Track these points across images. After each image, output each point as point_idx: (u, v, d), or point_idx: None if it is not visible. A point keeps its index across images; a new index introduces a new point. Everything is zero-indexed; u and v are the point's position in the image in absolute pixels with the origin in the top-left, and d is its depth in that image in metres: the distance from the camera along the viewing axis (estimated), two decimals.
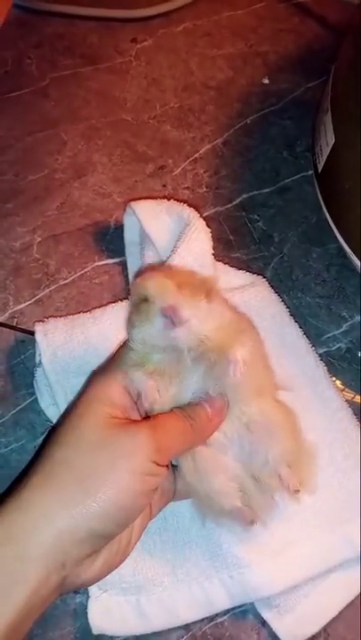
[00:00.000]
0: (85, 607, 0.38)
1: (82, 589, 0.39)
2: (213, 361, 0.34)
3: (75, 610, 0.39)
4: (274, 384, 0.38)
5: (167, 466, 0.33)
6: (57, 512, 0.29)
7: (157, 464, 0.31)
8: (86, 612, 0.38)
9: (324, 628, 0.39)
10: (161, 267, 0.42)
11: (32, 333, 0.44)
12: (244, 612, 0.39)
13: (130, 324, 0.35)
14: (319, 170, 0.47)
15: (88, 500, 0.29)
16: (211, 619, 0.39)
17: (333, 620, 0.39)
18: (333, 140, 0.43)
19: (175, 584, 0.38)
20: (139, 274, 0.41)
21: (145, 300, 0.34)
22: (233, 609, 0.39)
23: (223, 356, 0.33)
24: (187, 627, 0.39)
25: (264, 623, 0.39)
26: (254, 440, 0.35)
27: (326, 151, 0.44)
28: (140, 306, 0.34)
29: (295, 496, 0.35)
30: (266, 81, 0.60)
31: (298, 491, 0.34)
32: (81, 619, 0.38)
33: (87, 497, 0.29)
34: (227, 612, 0.39)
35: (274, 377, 0.39)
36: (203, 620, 0.39)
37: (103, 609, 0.38)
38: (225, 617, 0.39)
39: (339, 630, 0.39)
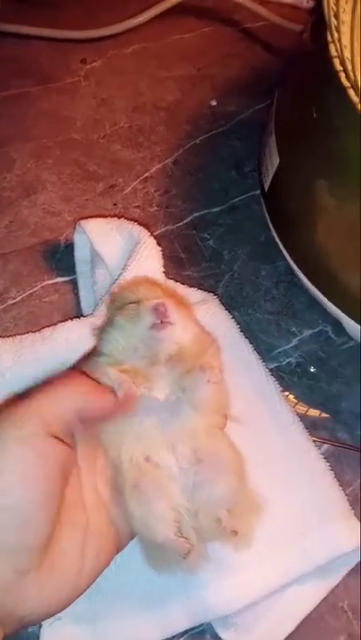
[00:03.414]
0: (37, 636, 0.37)
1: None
2: (185, 371, 0.34)
3: (27, 639, 0.38)
4: (229, 406, 0.38)
5: (66, 443, 0.31)
6: None
7: (30, 443, 0.29)
8: None
9: None
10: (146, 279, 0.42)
11: None
12: (202, 632, 0.39)
13: (108, 326, 0.36)
14: (266, 190, 0.48)
15: None
16: None
17: (291, 635, 0.39)
18: (278, 161, 0.44)
19: (134, 607, 0.38)
20: (112, 294, 0.41)
21: (132, 302, 0.35)
22: (191, 629, 0.39)
23: (196, 366, 0.34)
24: None
25: None
26: (201, 471, 0.33)
27: (272, 172, 0.46)
28: (125, 308, 0.35)
29: (232, 540, 0.33)
30: (214, 103, 0.62)
31: (236, 532, 0.33)
32: None
33: None
34: (184, 632, 0.39)
35: (229, 398, 0.38)
36: None
37: (56, 638, 0.37)
38: (182, 638, 0.39)
39: None
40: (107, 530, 0.33)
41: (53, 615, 0.31)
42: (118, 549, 0.34)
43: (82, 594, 0.31)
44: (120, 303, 0.37)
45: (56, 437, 0.30)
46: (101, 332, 0.37)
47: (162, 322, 0.34)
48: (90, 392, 0.32)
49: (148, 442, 0.34)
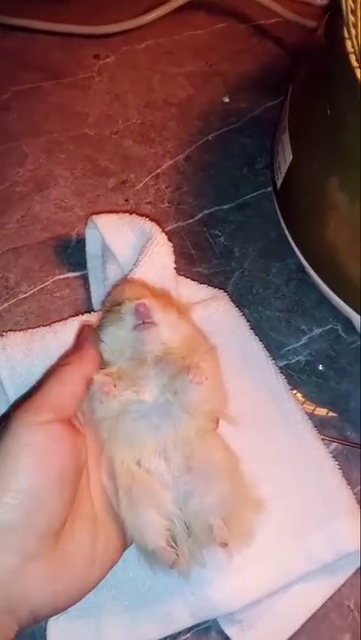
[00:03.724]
0: (44, 630, 0.37)
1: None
2: (175, 372, 0.34)
3: (33, 632, 0.38)
4: (225, 414, 0.37)
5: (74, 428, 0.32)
6: None
7: (38, 425, 0.30)
8: (45, 635, 0.37)
9: None
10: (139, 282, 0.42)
11: None
12: (207, 629, 0.39)
13: (100, 329, 0.36)
14: (278, 187, 0.48)
15: None
16: (173, 637, 0.38)
17: (296, 632, 0.39)
18: (291, 158, 0.44)
19: (137, 603, 0.38)
20: (108, 293, 0.41)
21: (119, 304, 0.35)
22: (195, 626, 0.39)
23: (185, 367, 0.33)
24: None
25: (227, 639, 0.38)
26: (191, 481, 0.33)
27: (284, 169, 0.46)
28: (113, 309, 0.35)
29: (224, 549, 0.33)
30: (226, 99, 0.61)
31: (226, 544, 0.33)
32: None
33: None
34: (189, 629, 0.39)
35: (227, 406, 0.38)
36: (165, 638, 0.38)
37: (62, 631, 0.37)
38: (188, 634, 0.39)
39: None
40: (114, 522, 0.33)
41: (65, 609, 0.31)
42: (126, 543, 0.34)
43: (93, 588, 0.32)
44: (109, 305, 0.36)
45: (70, 423, 0.31)
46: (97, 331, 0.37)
47: (144, 322, 0.34)
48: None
49: (139, 446, 0.34)
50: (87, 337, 0.36)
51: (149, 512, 0.32)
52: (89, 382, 0.34)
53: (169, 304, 0.36)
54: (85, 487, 0.33)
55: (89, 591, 0.32)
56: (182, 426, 0.34)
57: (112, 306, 0.36)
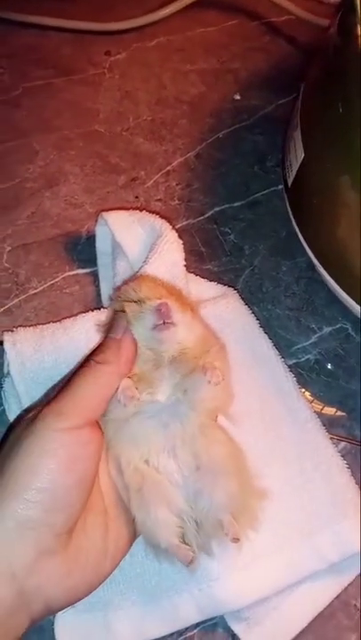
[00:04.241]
0: (52, 623, 0.37)
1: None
2: (187, 372, 0.34)
3: (41, 626, 0.38)
4: (227, 412, 0.37)
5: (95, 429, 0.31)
6: None
7: (67, 430, 0.30)
8: (53, 629, 0.37)
9: None
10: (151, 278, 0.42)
11: (0, 343, 0.43)
12: (214, 626, 0.39)
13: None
14: (289, 184, 0.48)
15: (2, 482, 0.28)
16: (180, 632, 0.38)
17: (302, 631, 0.39)
18: (303, 156, 0.44)
19: (144, 598, 0.38)
20: (116, 288, 0.41)
21: (134, 302, 0.34)
22: (202, 622, 0.39)
23: (198, 367, 0.33)
24: None
25: (234, 636, 0.38)
26: (199, 479, 0.33)
27: (296, 166, 0.45)
28: (127, 307, 0.35)
29: (235, 544, 0.33)
30: (237, 97, 0.61)
31: (237, 540, 0.33)
32: (47, 634, 0.37)
33: (1, 483, 0.28)
34: (196, 625, 0.39)
35: (231, 405, 0.38)
36: (172, 634, 0.38)
37: (70, 625, 0.37)
38: (194, 631, 0.39)
39: None
40: (123, 515, 0.33)
41: (76, 602, 0.31)
42: (135, 535, 0.34)
43: (104, 580, 0.32)
44: (122, 300, 0.36)
45: (96, 424, 0.31)
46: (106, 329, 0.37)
47: (164, 322, 0.34)
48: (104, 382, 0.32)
49: (146, 445, 0.34)
50: (123, 329, 0.34)
51: (161, 510, 0.32)
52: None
53: (184, 303, 0.36)
54: (96, 481, 0.33)
55: (100, 584, 0.32)
56: (189, 423, 0.34)
57: (126, 301, 0.35)
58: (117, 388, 0.33)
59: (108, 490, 0.34)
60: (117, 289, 0.40)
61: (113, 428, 0.34)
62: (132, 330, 0.34)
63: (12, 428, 0.34)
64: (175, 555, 0.32)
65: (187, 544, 0.33)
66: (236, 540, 0.33)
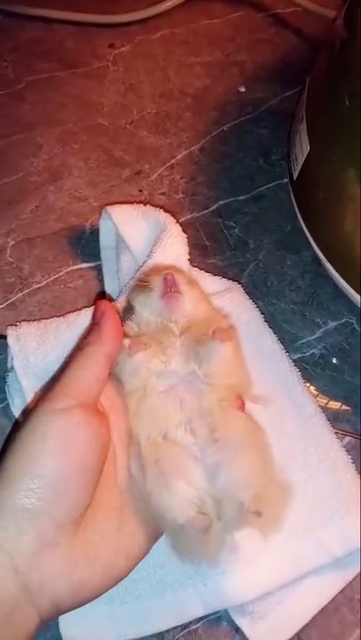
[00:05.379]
0: (56, 617, 0.37)
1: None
2: (200, 342, 0.35)
3: None
4: (249, 388, 0.37)
5: (100, 415, 0.31)
6: None
7: (57, 411, 0.30)
8: (57, 622, 0.37)
9: (298, 634, 0.39)
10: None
11: (4, 337, 0.43)
12: (218, 619, 0.39)
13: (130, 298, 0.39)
14: (294, 178, 0.47)
15: (2, 475, 0.28)
16: (184, 626, 0.39)
17: (306, 625, 0.39)
18: (308, 149, 0.44)
19: (149, 592, 0.38)
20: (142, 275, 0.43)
21: (145, 282, 0.37)
22: (206, 616, 0.39)
23: (208, 334, 0.34)
24: (160, 635, 0.38)
25: (238, 630, 0.39)
26: (217, 453, 0.32)
27: (301, 160, 0.45)
28: (141, 283, 0.38)
29: (257, 524, 0.32)
30: (242, 89, 0.61)
31: (260, 514, 0.31)
32: (52, 629, 0.38)
33: (2, 475, 0.28)
34: (200, 618, 0.39)
35: (250, 385, 0.38)
36: (176, 627, 0.38)
37: (75, 618, 0.37)
38: (198, 624, 0.39)
39: (312, 636, 0.39)
40: (143, 514, 0.32)
41: (88, 601, 0.30)
42: (154, 537, 0.33)
43: (119, 580, 0.31)
44: (140, 282, 0.39)
45: (94, 408, 0.31)
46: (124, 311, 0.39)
47: (171, 290, 0.36)
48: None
49: (164, 419, 0.34)
50: (104, 313, 0.35)
51: (178, 482, 0.31)
52: (112, 362, 0.33)
53: (193, 283, 0.39)
54: (112, 476, 0.33)
55: (115, 583, 0.31)
56: (206, 398, 0.34)
57: (140, 283, 0.38)
58: (109, 365, 0.33)
59: (127, 487, 0.33)
60: (136, 281, 0.41)
61: (135, 400, 0.34)
62: (141, 301, 0.37)
63: (17, 424, 0.34)
64: (192, 527, 0.31)
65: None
66: (258, 514, 0.31)
